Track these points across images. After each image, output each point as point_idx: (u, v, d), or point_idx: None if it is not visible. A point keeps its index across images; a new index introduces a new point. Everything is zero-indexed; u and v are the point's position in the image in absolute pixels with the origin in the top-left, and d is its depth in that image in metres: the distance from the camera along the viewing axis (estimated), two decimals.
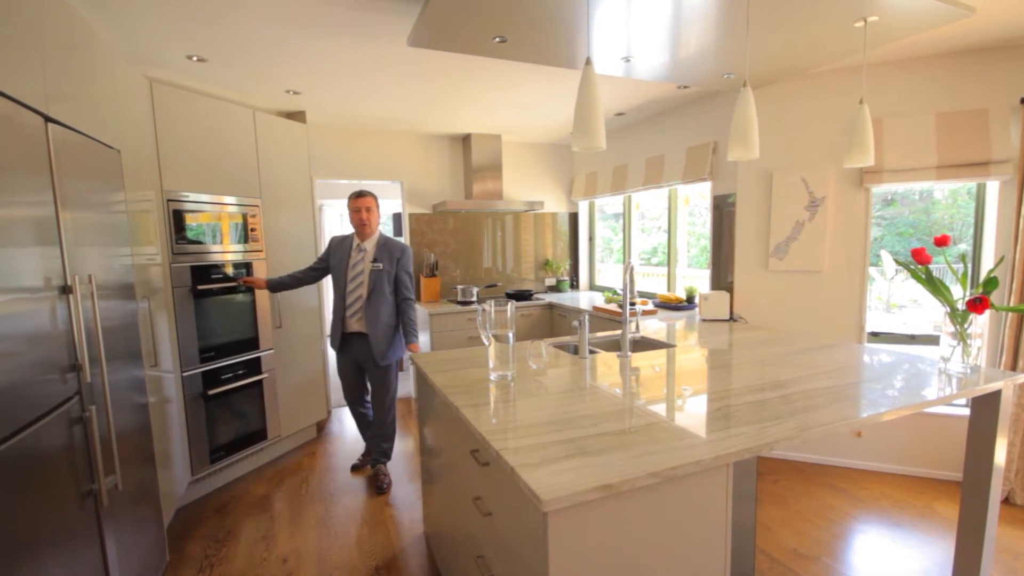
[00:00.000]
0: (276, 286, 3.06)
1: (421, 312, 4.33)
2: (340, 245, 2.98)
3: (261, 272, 3.25)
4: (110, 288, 1.88)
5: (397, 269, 2.88)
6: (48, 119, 1.48)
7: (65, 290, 1.51)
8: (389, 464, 3.26)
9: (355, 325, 2.90)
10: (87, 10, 2.07)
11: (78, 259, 1.61)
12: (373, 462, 3.08)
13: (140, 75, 2.61)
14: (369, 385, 3.10)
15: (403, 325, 2.91)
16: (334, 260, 2.95)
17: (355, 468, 3.27)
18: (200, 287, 2.86)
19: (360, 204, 2.86)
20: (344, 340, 2.95)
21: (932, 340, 3.02)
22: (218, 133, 3.00)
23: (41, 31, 1.52)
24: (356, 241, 2.92)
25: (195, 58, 2.64)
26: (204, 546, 2.45)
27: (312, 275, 3.10)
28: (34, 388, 1.34)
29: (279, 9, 2.14)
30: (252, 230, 3.18)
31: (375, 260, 2.85)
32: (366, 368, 3.01)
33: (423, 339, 4.35)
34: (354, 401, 3.16)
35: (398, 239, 2.89)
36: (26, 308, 1.33)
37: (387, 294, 2.86)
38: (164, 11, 2.13)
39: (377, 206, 2.94)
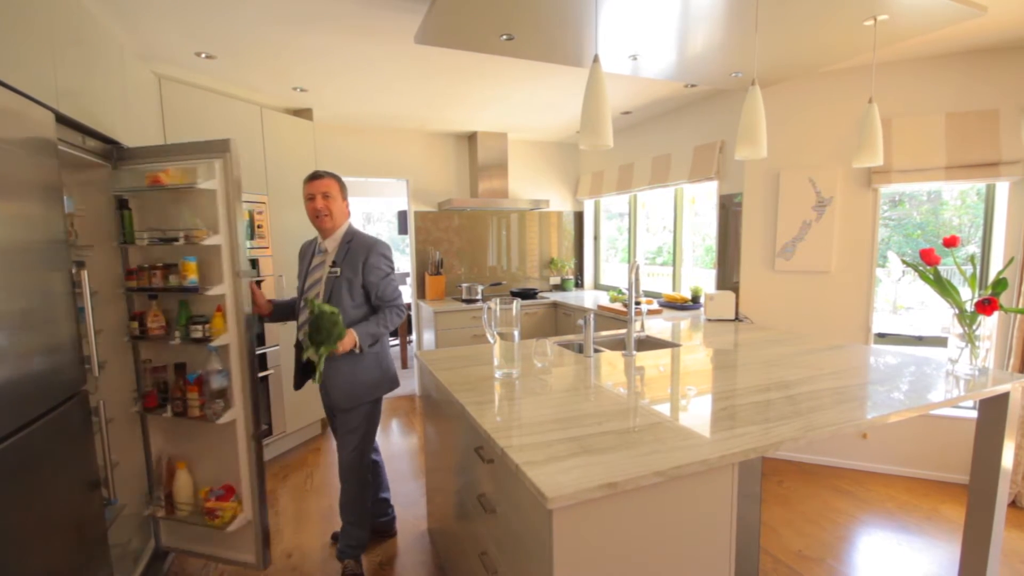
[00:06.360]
0: (280, 312, 2.29)
1: (426, 310, 4.34)
2: (306, 251, 2.26)
3: (267, 269, 3.26)
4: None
5: (364, 274, 2.08)
6: (58, 114, 1.49)
7: (75, 284, 1.53)
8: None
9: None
10: (98, 7, 2.08)
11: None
12: (340, 554, 2.21)
13: (149, 71, 2.63)
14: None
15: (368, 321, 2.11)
16: (300, 272, 2.25)
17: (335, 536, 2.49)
18: None
19: (315, 189, 2.08)
20: (305, 374, 2.18)
21: (939, 342, 3.01)
22: (225, 130, 3.00)
23: (53, 27, 1.53)
24: (319, 240, 2.19)
25: (204, 55, 2.65)
26: None
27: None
28: (45, 379, 1.35)
29: (288, 7, 2.15)
30: (259, 227, 3.20)
31: (334, 264, 2.10)
32: (335, 412, 2.23)
33: (427, 337, 4.36)
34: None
35: (370, 234, 2.19)
36: (37, 301, 1.34)
37: (348, 310, 2.07)
38: (174, 8, 2.14)
39: (342, 192, 2.15)
